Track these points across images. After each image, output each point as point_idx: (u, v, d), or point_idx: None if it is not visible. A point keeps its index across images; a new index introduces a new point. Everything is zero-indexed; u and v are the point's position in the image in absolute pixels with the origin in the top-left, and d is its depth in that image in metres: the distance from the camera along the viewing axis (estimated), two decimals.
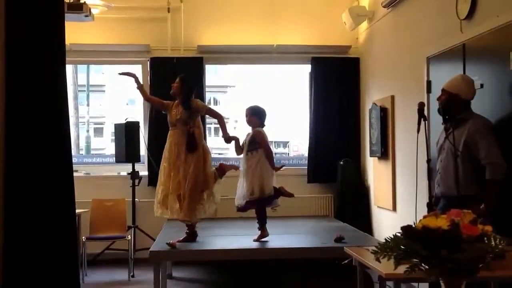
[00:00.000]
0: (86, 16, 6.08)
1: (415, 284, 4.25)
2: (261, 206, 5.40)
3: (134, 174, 7.04)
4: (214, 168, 5.55)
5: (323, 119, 7.73)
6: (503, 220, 3.48)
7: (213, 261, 6.12)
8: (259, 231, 5.37)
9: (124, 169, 7.38)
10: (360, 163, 7.67)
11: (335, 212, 7.59)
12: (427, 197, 3.81)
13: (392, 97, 6.40)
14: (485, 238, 1.82)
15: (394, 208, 6.28)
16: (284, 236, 5.76)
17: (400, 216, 6.10)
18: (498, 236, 1.84)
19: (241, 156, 5.53)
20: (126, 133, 6.99)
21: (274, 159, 5.54)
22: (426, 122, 3.92)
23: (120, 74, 5.73)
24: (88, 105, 18.52)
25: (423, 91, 5.19)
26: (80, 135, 14.28)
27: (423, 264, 1.82)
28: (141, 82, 5.82)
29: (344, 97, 7.77)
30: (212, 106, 6.38)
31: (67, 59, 3.92)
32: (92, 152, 15.86)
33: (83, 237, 6.40)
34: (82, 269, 6.11)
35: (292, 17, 7.81)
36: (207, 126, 7.65)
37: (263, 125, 5.47)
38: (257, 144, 5.38)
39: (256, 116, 5.47)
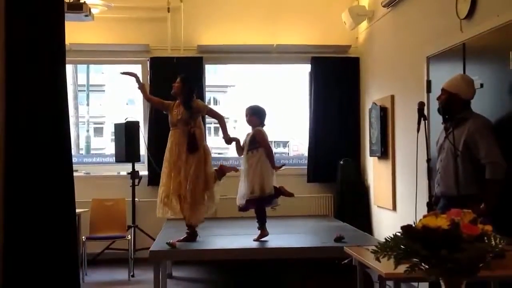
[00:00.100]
0: (86, 16, 6.08)
1: (415, 284, 4.25)
2: (260, 205, 5.40)
3: (134, 174, 7.04)
4: (214, 169, 5.55)
5: (323, 119, 7.73)
6: (503, 219, 3.48)
7: (213, 260, 6.12)
8: (259, 231, 5.37)
9: (124, 169, 7.38)
10: (360, 163, 7.67)
11: (335, 211, 7.59)
12: (427, 197, 3.81)
13: (392, 97, 6.40)
14: (485, 238, 1.81)
15: (394, 208, 6.28)
16: (284, 236, 5.76)
17: (400, 216, 6.10)
18: (498, 236, 1.84)
19: (242, 156, 5.53)
20: (126, 133, 6.99)
21: (274, 159, 5.54)
22: (426, 121, 3.92)
23: (121, 73, 5.74)
24: (88, 105, 18.53)
25: (423, 91, 5.19)
26: (80, 135, 14.29)
27: (423, 264, 1.82)
28: (142, 82, 5.82)
29: (344, 97, 7.77)
30: (212, 106, 6.38)
31: (67, 59, 3.92)
32: (92, 152, 15.87)
33: (83, 237, 6.40)
34: (82, 269, 6.11)
35: (292, 17, 7.81)
36: (207, 125, 7.64)
37: (263, 125, 5.48)
38: (257, 143, 5.38)
39: (256, 115, 5.47)
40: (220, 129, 5.68)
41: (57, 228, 3.71)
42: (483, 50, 4.30)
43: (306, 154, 8.01)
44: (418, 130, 3.76)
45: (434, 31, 5.16)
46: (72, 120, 9.21)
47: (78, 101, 14.10)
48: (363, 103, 7.63)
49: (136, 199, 7.08)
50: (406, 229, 1.86)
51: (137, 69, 7.54)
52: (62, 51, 3.84)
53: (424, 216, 1.89)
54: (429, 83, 5.14)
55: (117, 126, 7.30)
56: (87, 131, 17.79)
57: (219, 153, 12.55)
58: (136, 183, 7.07)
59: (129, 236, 6.63)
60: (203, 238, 5.48)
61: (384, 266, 2.35)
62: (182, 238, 5.30)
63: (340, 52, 7.80)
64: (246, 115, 5.50)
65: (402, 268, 1.85)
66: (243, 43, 7.63)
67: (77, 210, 4.71)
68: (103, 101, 22.61)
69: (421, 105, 3.86)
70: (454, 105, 3.93)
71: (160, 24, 7.62)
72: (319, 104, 7.74)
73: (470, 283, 1.87)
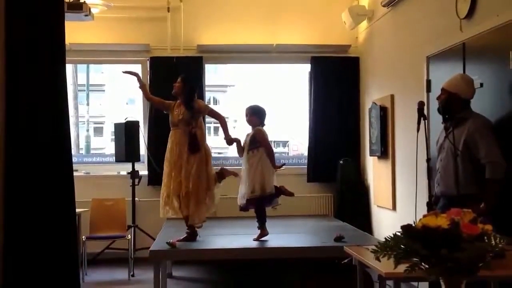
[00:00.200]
0: (86, 15, 6.08)
1: (415, 284, 4.25)
2: (261, 205, 5.40)
3: (134, 174, 7.04)
4: (215, 171, 5.55)
5: (323, 119, 7.73)
6: (503, 219, 3.48)
7: (213, 260, 6.12)
8: (259, 230, 5.37)
9: (124, 169, 7.38)
10: (360, 163, 7.67)
11: (335, 211, 7.59)
12: (427, 196, 3.81)
13: (392, 96, 6.40)
14: (485, 237, 1.81)
15: (394, 208, 6.28)
16: (284, 236, 5.76)
17: (400, 216, 6.10)
18: (498, 235, 1.84)
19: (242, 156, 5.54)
20: (126, 133, 6.99)
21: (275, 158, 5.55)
22: (426, 121, 3.92)
23: (123, 72, 5.74)
24: (88, 104, 18.53)
25: (423, 90, 5.19)
26: (80, 134, 14.29)
27: (423, 263, 1.82)
28: (143, 82, 5.83)
29: (343, 97, 7.77)
30: (211, 106, 6.36)
31: (67, 58, 3.92)
32: (92, 151, 15.87)
33: (83, 237, 6.40)
34: (82, 269, 6.11)
35: (292, 17, 7.81)
36: (207, 125, 7.65)
37: (263, 125, 5.48)
38: (257, 143, 5.39)
39: (256, 115, 5.47)
40: (220, 129, 5.67)
41: (57, 228, 3.72)
42: (483, 49, 4.30)
43: (306, 153, 8.02)
44: (418, 130, 3.76)
45: (434, 30, 5.16)
46: (72, 120, 9.21)
47: (78, 101, 14.10)
48: (363, 102, 7.63)
49: (136, 198, 7.08)
50: (406, 228, 1.87)
51: (137, 68, 7.53)
52: (62, 51, 3.84)
53: (424, 216, 1.89)
54: (429, 82, 5.14)
55: (117, 126, 7.30)
56: (87, 131, 17.79)
57: (219, 153, 12.54)
58: (136, 183, 7.07)
59: (129, 235, 6.63)
60: (203, 237, 5.48)
61: (384, 265, 2.35)
62: (182, 237, 5.31)
63: (340, 51, 7.80)
64: (246, 115, 5.50)
65: (402, 268, 1.85)
66: (243, 42, 7.63)
67: (77, 210, 4.72)
68: (103, 101, 22.61)
69: (421, 105, 3.86)
70: (454, 105, 3.93)
71: (160, 23, 7.62)
72: (319, 103, 7.74)
73: (470, 282, 1.87)
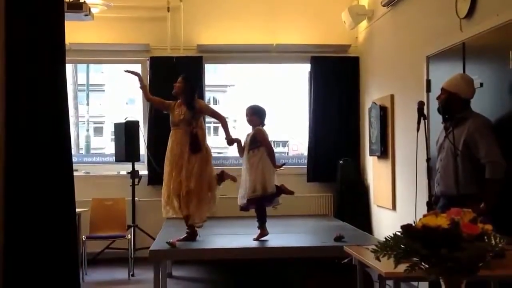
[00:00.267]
0: (86, 15, 6.08)
1: (415, 283, 4.25)
2: (261, 205, 5.41)
3: (134, 173, 7.04)
4: (215, 174, 5.55)
5: (323, 118, 7.73)
6: (503, 219, 3.48)
7: (213, 260, 6.12)
8: (259, 230, 5.37)
9: (124, 168, 7.38)
10: (359, 162, 7.67)
11: (335, 211, 7.59)
12: (427, 196, 3.80)
13: (392, 96, 6.40)
14: (485, 237, 1.81)
15: (394, 207, 6.28)
16: (284, 235, 5.76)
17: (399, 215, 6.10)
18: (498, 235, 1.84)
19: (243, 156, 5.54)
20: (126, 133, 6.99)
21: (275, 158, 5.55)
22: (426, 121, 3.91)
23: (125, 71, 5.74)
24: (88, 104, 18.52)
25: (423, 90, 5.19)
26: (80, 134, 14.29)
27: (423, 263, 1.82)
28: (144, 83, 5.82)
29: (343, 96, 7.77)
30: (211, 106, 6.37)
31: (67, 58, 3.93)
32: (92, 151, 15.86)
33: (83, 236, 6.40)
34: (82, 268, 6.11)
35: (292, 16, 7.81)
36: (207, 125, 7.65)
37: (263, 124, 5.49)
38: (258, 143, 5.40)
39: (256, 115, 5.48)
40: (219, 129, 5.68)
41: (57, 227, 3.72)
42: (483, 49, 4.30)
43: (305, 153, 8.02)
44: (417, 130, 3.76)
45: (433, 30, 5.16)
46: (72, 119, 9.20)
47: (78, 101, 14.09)
48: (363, 102, 7.63)
49: (136, 198, 7.08)
50: (406, 228, 1.87)
51: (137, 68, 7.53)
52: (62, 51, 3.85)
53: (424, 216, 1.89)
54: (428, 82, 5.14)
55: (117, 126, 7.30)
56: (87, 130, 17.78)
57: (218, 153, 12.53)
58: (136, 183, 7.07)
59: (129, 235, 6.63)
60: (203, 237, 5.48)
61: (384, 265, 2.35)
62: (182, 237, 5.31)
63: (340, 51, 7.80)
64: (247, 115, 5.51)
65: (402, 268, 1.85)
66: (243, 42, 7.63)
67: (77, 210, 4.71)
68: (103, 101, 22.59)
69: (420, 105, 3.86)
70: (453, 105, 3.92)
71: (160, 23, 7.62)
72: (318, 103, 7.74)
73: (470, 282, 1.87)
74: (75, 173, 4.11)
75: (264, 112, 5.53)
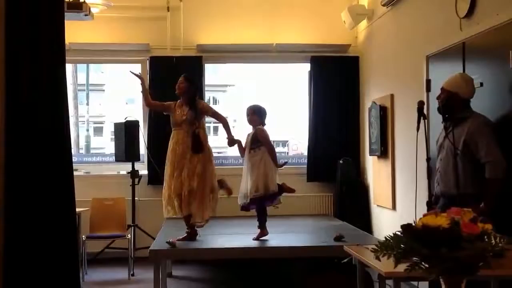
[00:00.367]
0: (86, 15, 6.08)
1: (415, 283, 4.25)
2: (262, 204, 5.41)
3: (134, 173, 7.04)
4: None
5: (323, 118, 7.73)
6: (503, 218, 3.48)
7: (213, 259, 6.12)
8: (259, 230, 5.38)
9: (124, 168, 7.38)
10: (359, 162, 7.67)
11: (335, 210, 7.59)
12: (427, 196, 3.81)
13: (392, 96, 6.40)
14: (485, 237, 1.82)
15: (394, 207, 6.28)
16: (284, 235, 5.76)
17: (399, 215, 6.10)
18: (498, 235, 1.84)
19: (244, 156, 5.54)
20: (126, 132, 6.99)
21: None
22: (426, 120, 3.92)
23: (130, 72, 5.74)
24: (87, 104, 18.53)
25: (423, 90, 5.18)
26: (80, 134, 14.30)
27: (423, 263, 1.82)
28: (146, 88, 5.81)
29: (343, 96, 7.77)
30: (211, 106, 6.36)
31: (67, 58, 3.93)
32: (92, 151, 15.86)
33: (83, 236, 6.40)
34: (82, 268, 6.11)
35: (292, 16, 7.81)
36: (206, 125, 7.65)
37: (263, 124, 5.50)
38: (259, 142, 5.41)
39: (257, 115, 5.49)
40: (219, 129, 5.68)
41: (57, 227, 3.72)
42: (483, 49, 4.30)
43: (305, 153, 8.02)
44: (417, 129, 3.76)
45: (433, 30, 5.16)
46: (72, 119, 9.19)
47: (78, 101, 14.11)
48: (363, 102, 7.63)
49: (136, 198, 7.08)
50: (406, 228, 1.87)
51: (136, 68, 7.54)
52: (62, 51, 3.85)
53: (424, 215, 1.89)
54: (428, 82, 5.13)
55: (117, 126, 7.30)
56: (87, 130, 17.79)
57: (218, 153, 12.53)
58: (136, 182, 7.07)
59: (129, 235, 6.63)
60: (203, 237, 5.49)
61: (384, 265, 2.35)
62: (182, 237, 5.31)
63: (340, 51, 7.80)
64: (248, 115, 5.51)
65: (402, 267, 1.85)
66: (243, 42, 7.63)
67: (77, 209, 4.71)
68: (103, 101, 22.60)
69: (420, 104, 3.86)
70: (453, 104, 3.92)
71: (160, 23, 7.62)
72: (318, 103, 7.74)
73: (470, 282, 1.87)
74: (75, 173, 4.11)
75: (265, 112, 5.54)
